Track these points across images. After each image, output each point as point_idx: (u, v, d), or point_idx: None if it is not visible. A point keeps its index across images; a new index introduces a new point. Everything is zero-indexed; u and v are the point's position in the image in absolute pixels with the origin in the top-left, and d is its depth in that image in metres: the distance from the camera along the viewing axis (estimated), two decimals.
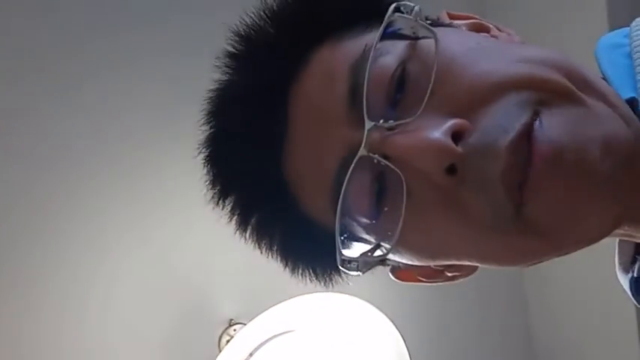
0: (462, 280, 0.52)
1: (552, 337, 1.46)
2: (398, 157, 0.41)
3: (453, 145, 0.39)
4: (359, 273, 0.45)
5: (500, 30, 0.51)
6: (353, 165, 0.42)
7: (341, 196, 0.43)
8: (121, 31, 1.16)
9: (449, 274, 0.52)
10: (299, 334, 1.08)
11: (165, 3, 1.19)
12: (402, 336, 1.08)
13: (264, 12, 0.50)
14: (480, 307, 1.45)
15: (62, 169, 1.14)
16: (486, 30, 0.51)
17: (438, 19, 0.51)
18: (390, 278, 0.54)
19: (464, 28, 0.50)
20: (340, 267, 0.45)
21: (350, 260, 0.45)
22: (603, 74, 0.47)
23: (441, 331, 1.40)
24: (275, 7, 0.50)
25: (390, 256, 0.46)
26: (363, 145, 0.42)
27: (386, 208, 0.44)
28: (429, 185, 0.41)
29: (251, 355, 1.05)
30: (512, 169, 0.39)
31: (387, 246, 0.44)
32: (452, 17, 0.51)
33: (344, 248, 0.45)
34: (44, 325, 1.13)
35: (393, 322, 1.08)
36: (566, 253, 0.43)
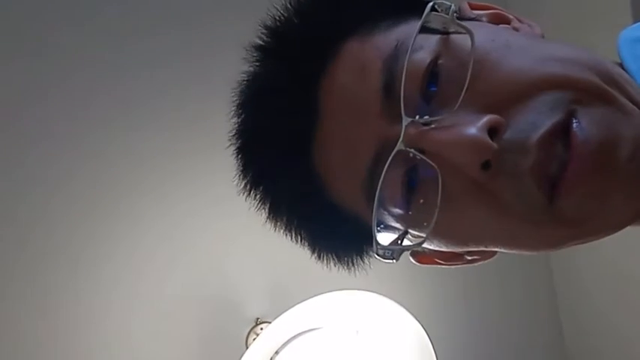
0: (481, 262, 0.53)
1: (582, 329, 1.45)
2: (435, 152, 0.42)
3: (490, 142, 0.40)
4: (394, 261, 0.47)
5: (520, 21, 0.51)
6: (390, 158, 0.43)
7: (378, 189, 0.44)
8: (157, 34, 1.19)
9: (469, 258, 0.53)
10: (324, 332, 1.09)
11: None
12: (427, 333, 1.08)
13: (291, 4, 0.50)
14: (504, 300, 1.44)
15: (94, 178, 1.17)
16: (507, 21, 0.51)
17: (460, 10, 0.51)
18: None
19: (484, 19, 0.51)
20: (376, 255, 0.46)
21: (385, 249, 0.46)
22: (626, 69, 0.47)
23: (465, 329, 1.40)
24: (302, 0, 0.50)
25: (424, 244, 0.47)
26: (400, 139, 0.43)
27: (421, 200, 0.45)
28: (463, 178, 0.42)
29: (277, 352, 1.06)
30: (541, 164, 0.40)
31: (420, 234, 0.46)
32: (473, 7, 0.51)
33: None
34: (71, 327, 1.16)
35: (417, 319, 1.08)
36: (592, 240, 0.45)
